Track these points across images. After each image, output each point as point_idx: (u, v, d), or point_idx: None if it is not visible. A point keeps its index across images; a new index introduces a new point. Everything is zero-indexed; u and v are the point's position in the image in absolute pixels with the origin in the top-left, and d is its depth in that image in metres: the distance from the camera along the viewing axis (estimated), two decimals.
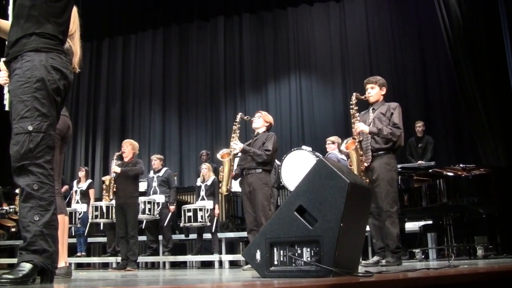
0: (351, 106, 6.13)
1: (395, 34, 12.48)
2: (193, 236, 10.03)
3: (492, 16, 9.05)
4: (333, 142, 9.05)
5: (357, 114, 6.04)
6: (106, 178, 8.45)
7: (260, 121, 7.01)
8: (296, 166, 9.44)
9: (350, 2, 12.67)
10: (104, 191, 8.54)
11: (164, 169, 10.11)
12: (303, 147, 10.04)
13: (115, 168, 8.02)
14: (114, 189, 8.13)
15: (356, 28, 12.89)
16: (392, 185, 5.74)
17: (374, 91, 6.11)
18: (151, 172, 10.09)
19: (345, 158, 7.46)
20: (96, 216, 9.40)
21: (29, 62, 2.74)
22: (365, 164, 5.78)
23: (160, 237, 9.90)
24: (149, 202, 9.35)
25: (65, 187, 11.02)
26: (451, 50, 9.38)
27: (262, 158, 6.65)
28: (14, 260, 8.38)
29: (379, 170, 5.73)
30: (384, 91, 6.12)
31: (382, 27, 12.65)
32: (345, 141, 6.02)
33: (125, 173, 7.99)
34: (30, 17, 2.82)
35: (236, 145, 6.70)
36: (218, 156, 6.87)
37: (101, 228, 10.27)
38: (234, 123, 7.02)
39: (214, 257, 9.40)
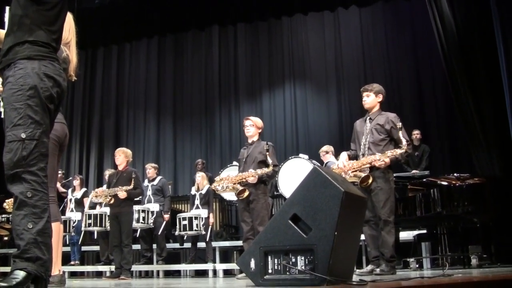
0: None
1: (389, 43, 12.50)
2: (187, 245, 10.01)
3: (486, 28, 9.09)
4: (327, 152, 9.07)
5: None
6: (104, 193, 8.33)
7: (253, 129, 7.01)
8: (293, 174, 9.47)
9: (345, 12, 12.68)
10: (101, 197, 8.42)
11: (159, 177, 10.09)
12: (301, 155, 10.07)
13: (121, 194, 7.95)
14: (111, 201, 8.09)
15: (350, 38, 12.91)
16: (390, 195, 5.75)
17: (369, 99, 6.11)
18: (146, 181, 10.06)
19: None
20: (90, 224, 9.38)
21: (21, 70, 2.74)
22: (362, 174, 5.77)
23: (154, 246, 9.87)
24: (144, 211, 9.33)
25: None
26: (446, 60, 9.41)
27: (275, 174, 7.12)
28: (7, 269, 8.34)
29: (377, 180, 5.73)
30: (380, 98, 6.10)
31: (376, 36, 12.68)
32: (361, 175, 5.83)
33: (128, 195, 7.99)
34: (23, 25, 2.83)
35: (254, 177, 6.68)
36: (237, 197, 6.83)
37: (95, 237, 10.24)
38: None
39: (208, 266, 9.38)
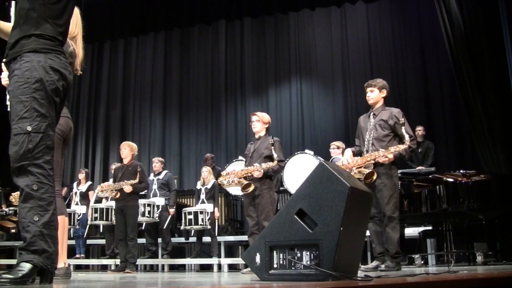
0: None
1: (396, 39, 12.47)
2: (192, 239, 10.03)
3: (493, 23, 9.05)
4: (338, 147, 9.07)
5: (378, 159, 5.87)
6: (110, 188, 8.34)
7: (259, 124, 6.98)
8: (299, 170, 9.46)
9: (352, 7, 12.65)
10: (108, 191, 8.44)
11: (164, 172, 10.10)
12: (306, 151, 10.06)
13: (127, 188, 7.98)
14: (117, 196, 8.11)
15: (357, 33, 12.88)
16: (394, 191, 5.73)
17: (373, 94, 6.07)
18: (151, 174, 10.07)
19: None
20: (96, 218, 9.39)
21: (27, 63, 2.74)
22: (366, 171, 5.75)
23: (159, 240, 9.89)
24: (149, 205, 9.34)
25: (64, 189, 11.04)
26: (452, 55, 9.38)
27: (281, 169, 7.27)
28: (13, 261, 8.37)
29: (381, 176, 5.71)
30: (384, 93, 6.06)
31: (383, 32, 12.64)
32: (365, 172, 5.83)
33: (134, 189, 8.02)
34: (29, 18, 2.84)
35: (259, 171, 6.67)
36: (243, 192, 6.81)
37: (100, 230, 10.27)
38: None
39: (213, 261, 9.39)
